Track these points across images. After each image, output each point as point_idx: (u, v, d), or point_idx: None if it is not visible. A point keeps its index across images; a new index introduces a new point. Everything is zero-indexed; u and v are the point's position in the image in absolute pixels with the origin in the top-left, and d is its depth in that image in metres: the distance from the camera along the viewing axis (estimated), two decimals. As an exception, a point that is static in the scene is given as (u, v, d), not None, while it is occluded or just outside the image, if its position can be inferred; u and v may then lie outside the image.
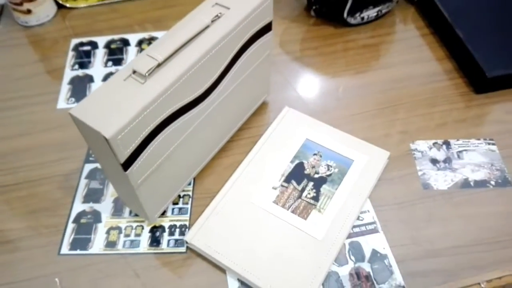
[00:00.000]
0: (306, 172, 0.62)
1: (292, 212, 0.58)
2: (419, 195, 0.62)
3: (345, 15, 0.80)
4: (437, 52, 0.80)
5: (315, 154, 0.64)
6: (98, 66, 0.81)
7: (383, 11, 0.83)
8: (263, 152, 0.64)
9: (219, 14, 0.51)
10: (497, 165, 0.65)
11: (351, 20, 0.82)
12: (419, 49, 0.81)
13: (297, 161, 0.63)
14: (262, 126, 0.70)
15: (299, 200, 0.59)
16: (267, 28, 0.59)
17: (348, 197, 0.59)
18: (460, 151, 0.67)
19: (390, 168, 0.65)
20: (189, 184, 0.64)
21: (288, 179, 0.61)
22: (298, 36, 0.84)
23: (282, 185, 0.61)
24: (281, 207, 0.59)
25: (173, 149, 0.53)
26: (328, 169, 0.62)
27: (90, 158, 0.67)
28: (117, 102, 0.44)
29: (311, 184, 0.61)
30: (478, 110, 0.72)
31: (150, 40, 0.85)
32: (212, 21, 0.51)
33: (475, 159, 0.66)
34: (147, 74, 0.46)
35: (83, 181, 0.65)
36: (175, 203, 0.62)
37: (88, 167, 0.67)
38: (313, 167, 0.62)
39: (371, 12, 0.82)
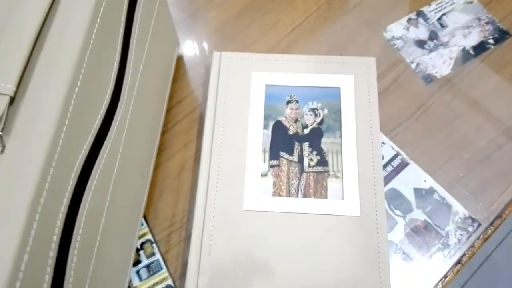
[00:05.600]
0: (290, 132, 0.44)
1: (304, 195, 0.41)
2: (427, 93, 0.48)
3: None
4: None
5: (289, 102, 0.45)
6: None
7: None
8: (220, 131, 0.43)
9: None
10: (484, 17, 0.52)
11: None
12: None
13: (271, 123, 0.44)
14: (193, 92, 0.48)
15: (304, 174, 0.42)
16: None
17: (359, 139, 0.43)
18: (440, 18, 0.52)
19: (378, 76, 0.48)
20: (141, 224, 0.42)
21: (274, 154, 0.43)
22: None
23: (271, 166, 0.42)
24: (287, 197, 0.41)
25: (108, 204, 0.31)
26: (316, 115, 0.44)
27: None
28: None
29: (306, 145, 0.43)
30: (431, -42, 0.56)
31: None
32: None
33: (460, 20, 0.52)
34: (1, 132, 0.21)
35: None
36: (136, 263, 0.41)
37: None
38: (296, 120, 0.44)
39: None
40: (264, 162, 0.42)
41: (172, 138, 0.46)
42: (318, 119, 0.44)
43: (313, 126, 0.44)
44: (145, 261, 0.41)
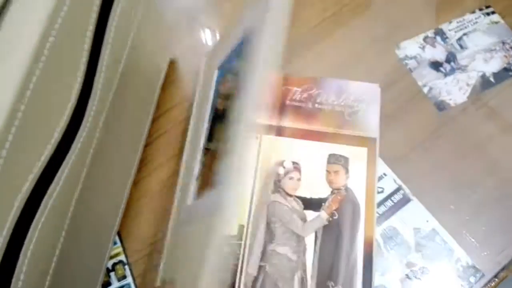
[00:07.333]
0: (283, 156, 0.40)
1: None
2: (438, 122, 0.44)
3: None
4: None
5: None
6: None
7: None
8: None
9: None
10: (509, 40, 0.47)
11: None
12: None
13: (263, 144, 0.40)
14: (185, 100, 0.45)
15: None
16: None
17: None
18: (460, 38, 0.48)
19: (384, 100, 0.44)
20: (115, 243, 0.39)
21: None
22: None
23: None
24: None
25: (71, 219, 0.28)
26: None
27: None
28: None
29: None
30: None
31: None
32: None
33: (482, 43, 0.47)
34: None
35: None
36: (106, 285, 0.38)
37: None
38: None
39: None
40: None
41: (152, 151, 0.42)
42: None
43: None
44: (115, 284, 0.38)
